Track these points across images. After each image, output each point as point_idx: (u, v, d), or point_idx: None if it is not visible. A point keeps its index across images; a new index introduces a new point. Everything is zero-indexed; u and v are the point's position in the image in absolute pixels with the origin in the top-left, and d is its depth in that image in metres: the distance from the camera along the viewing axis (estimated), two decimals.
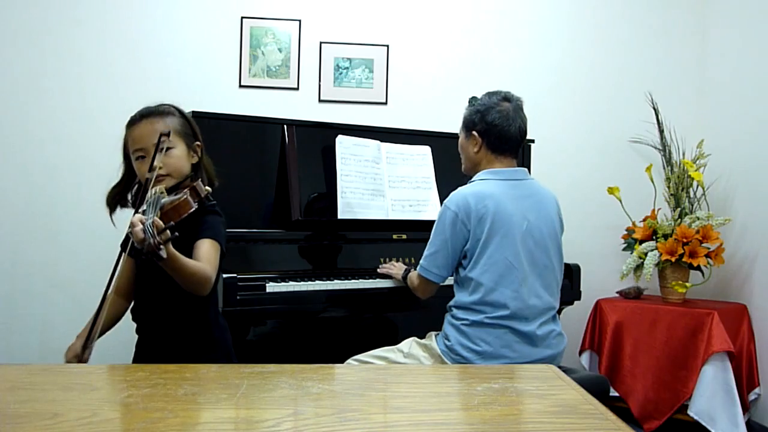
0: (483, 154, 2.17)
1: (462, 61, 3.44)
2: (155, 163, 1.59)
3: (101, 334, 1.63)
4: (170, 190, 1.65)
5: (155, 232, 1.38)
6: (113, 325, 1.77)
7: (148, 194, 1.55)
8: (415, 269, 2.29)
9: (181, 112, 1.77)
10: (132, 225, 1.40)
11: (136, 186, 1.77)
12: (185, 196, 1.59)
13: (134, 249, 1.42)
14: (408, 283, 2.33)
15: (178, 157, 1.70)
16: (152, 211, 1.47)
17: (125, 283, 1.77)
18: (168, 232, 1.41)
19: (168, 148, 1.66)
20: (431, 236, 2.12)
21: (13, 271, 3.00)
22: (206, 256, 1.62)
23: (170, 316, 1.71)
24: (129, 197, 1.80)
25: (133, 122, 1.72)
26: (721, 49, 3.48)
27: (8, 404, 1.01)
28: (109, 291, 1.55)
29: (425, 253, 2.14)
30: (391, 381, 1.28)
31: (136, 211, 1.51)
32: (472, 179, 2.16)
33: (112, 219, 1.79)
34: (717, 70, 3.52)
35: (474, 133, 2.16)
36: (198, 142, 1.78)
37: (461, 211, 2.04)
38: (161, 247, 1.38)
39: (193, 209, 1.59)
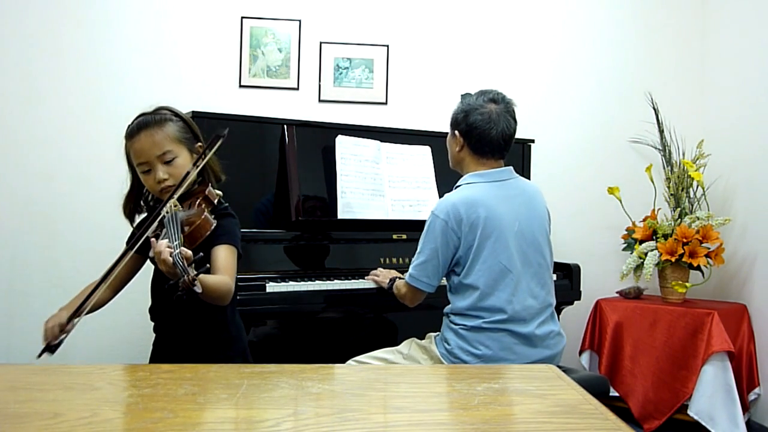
0: (465, 154, 2.13)
1: (462, 61, 3.44)
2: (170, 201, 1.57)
3: (96, 308, 1.66)
4: (181, 198, 1.64)
5: (186, 266, 1.35)
6: (94, 311, 1.74)
7: (163, 210, 1.54)
8: (402, 278, 2.24)
9: (178, 115, 1.74)
10: (158, 253, 1.38)
11: (146, 191, 1.77)
12: (204, 214, 1.57)
13: (169, 286, 1.38)
14: (395, 292, 2.25)
15: (183, 165, 1.67)
16: (175, 236, 1.45)
17: (119, 276, 1.75)
18: (198, 263, 1.39)
19: (171, 159, 1.65)
20: (420, 244, 2.07)
21: (13, 271, 3.00)
22: (224, 264, 1.61)
23: (188, 315, 1.70)
24: (142, 203, 1.79)
25: (131, 134, 1.68)
26: (721, 49, 3.48)
27: (8, 404, 1.01)
28: (107, 280, 1.55)
29: (415, 261, 2.08)
30: (391, 381, 1.28)
31: (151, 230, 1.50)
32: (458, 183, 2.14)
33: (132, 226, 1.78)
34: (717, 69, 3.52)
35: (456, 132, 2.13)
36: (199, 143, 1.75)
37: (451, 219, 2.00)
38: (196, 282, 1.35)
39: (214, 225, 1.58)
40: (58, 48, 3.05)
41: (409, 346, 2.20)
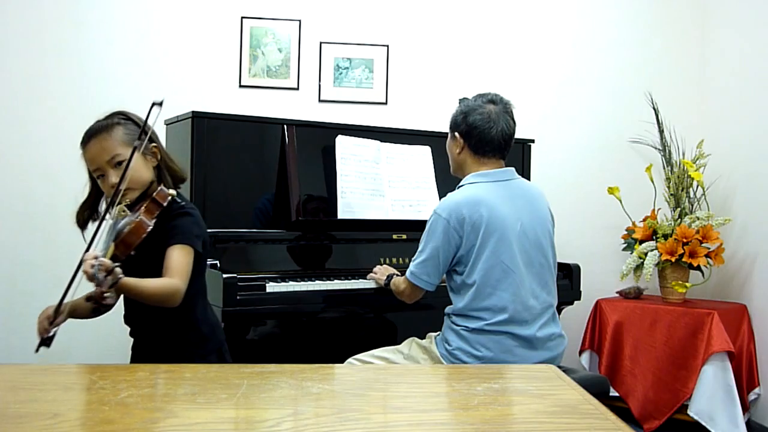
0: (466, 155, 2.13)
1: (462, 61, 3.44)
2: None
3: (78, 316, 1.67)
4: (137, 201, 1.65)
5: (103, 278, 1.36)
6: (84, 316, 1.73)
7: (108, 217, 1.55)
8: (399, 275, 2.25)
9: (130, 119, 1.73)
10: (83, 262, 1.39)
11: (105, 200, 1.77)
12: (138, 217, 1.57)
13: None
14: (392, 288, 2.26)
15: (135, 168, 1.64)
16: (105, 244, 1.46)
17: None
18: (115, 272, 1.40)
19: (119, 162, 1.64)
20: (422, 243, 2.08)
21: (14, 270, 3.00)
22: (174, 264, 1.61)
23: (156, 317, 1.71)
24: (102, 211, 1.79)
25: (83, 143, 1.70)
26: (721, 49, 3.48)
27: (8, 404, 1.01)
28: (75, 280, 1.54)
29: (416, 259, 2.09)
30: (391, 381, 1.28)
31: (95, 234, 1.51)
32: (461, 183, 2.13)
33: (83, 237, 1.73)
34: (717, 70, 3.52)
35: (456, 134, 2.14)
36: (154, 143, 1.73)
37: (453, 219, 2.00)
38: (107, 296, 1.37)
39: (150, 228, 1.59)
40: (58, 48, 3.05)
41: (409, 345, 2.20)
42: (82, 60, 3.07)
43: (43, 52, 3.03)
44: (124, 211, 1.58)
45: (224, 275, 2.16)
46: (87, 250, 1.55)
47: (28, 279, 3.00)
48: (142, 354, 1.80)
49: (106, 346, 2.96)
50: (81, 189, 2.92)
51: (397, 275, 2.29)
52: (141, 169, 1.69)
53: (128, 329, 1.83)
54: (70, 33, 3.06)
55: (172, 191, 1.71)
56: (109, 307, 1.40)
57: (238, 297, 2.19)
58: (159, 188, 1.68)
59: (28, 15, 3.03)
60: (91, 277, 1.37)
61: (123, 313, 1.82)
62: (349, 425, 0.95)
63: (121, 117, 1.72)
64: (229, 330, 2.15)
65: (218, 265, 2.26)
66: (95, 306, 1.39)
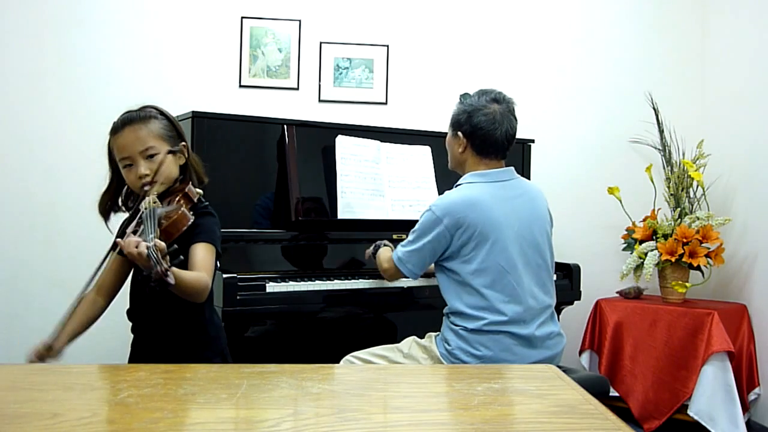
0: (468, 154, 2.13)
1: (462, 61, 3.44)
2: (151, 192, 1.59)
3: (75, 337, 1.66)
4: (161, 197, 1.65)
5: (159, 257, 1.36)
6: (89, 326, 1.74)
7: (142, 205, 1.55)
8: (388, 244, 2.34)
9: (163, 114, 1.74)
10: (128, 245, 1.40)
11: (125, 190, 1.77)
12: (181, 209, 1.58)
13: (142, 277, 1.39)
14: (375, 259, 2.32)
15: (165, 162, 1.67)
16: (151, 229, 1.46)
17: (108, 282, 1.76)
18: (172, 255, 1.40)
19: (152, 155, 1.66)
20: (415, 233, 2.09)
21: (13, 271, 2.99)
22: (202, 262, 1.62)
23: (165, 315, 1.71)
24: (120, 202, 1.79)
25: (115, 130, 1.70)
26: (721, 49, 3.48)
27: (8, 404, 1.01)
28: (86, 290, 1.56)
29: (405, 246, 2.12)
30: (391, 381, 1.28)
31: (131, 227, 1.51)
32: (459, 182, 2.13)
33: (107, 227, 1.78)
34: (717, 70, 3.52)
35: (459, 133, 2.13)
36: (183, 142, 1.75)
37: (447, 218, 2.01)
38: (168, 273, 1.37)
39: (191, 221, 1.59)
40: (57, 48, 3.05)
41: (409, 345, 2.20)
42: (81, 60, 3.07)
43: (43, 52, 3.03)
44: (155, 201, 1.59)
45: (224, 275, 2.16)
46: (113, 247, 1.58)
47: (28, 279, 2.99)
48: (142, 352, 1.78)
49: (106, 346, 2.96)
50: (80, 189, 2.94)
51: (386, 245, 2.36)
52: (171, 166, 1.71)
53: (128, 326, 1.82)
54: (70, 33, 3.06)
55: (199, 190, 1.74)
56: (167, 286, 1.38)
57: (238, 297, 2.19)
58: (188, 185, 1.70)
59: (27, 15, 3.03)
60: (146, 259, 1.37)
61: (127, 308, 1.81)
62: (349, 425, 0.95)
63: (156, 111, 1.74)
64: (229, 330, 2.15)
65: (218, 265, 2.26)
66: (153, 286, 1.38)
